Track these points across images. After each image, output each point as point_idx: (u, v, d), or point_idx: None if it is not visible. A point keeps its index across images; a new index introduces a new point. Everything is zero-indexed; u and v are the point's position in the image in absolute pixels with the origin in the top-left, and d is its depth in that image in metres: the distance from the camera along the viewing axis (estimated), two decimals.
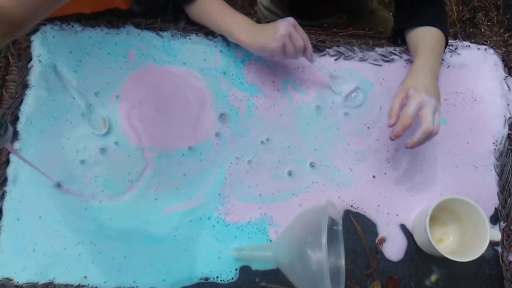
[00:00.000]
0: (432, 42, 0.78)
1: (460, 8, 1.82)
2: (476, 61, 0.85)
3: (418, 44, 0.79)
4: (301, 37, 0.72)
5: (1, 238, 0.71)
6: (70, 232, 0.72)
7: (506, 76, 0.85)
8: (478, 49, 0.86)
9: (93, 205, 0.73)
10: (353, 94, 0.81)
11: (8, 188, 0.72)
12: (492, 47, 0.88)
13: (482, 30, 1.80)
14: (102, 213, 0.73)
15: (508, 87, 0.84)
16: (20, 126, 0.75)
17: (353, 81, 0.81)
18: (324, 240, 0.56)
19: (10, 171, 0.73)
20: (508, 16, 1.83)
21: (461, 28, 1.77)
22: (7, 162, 0.73)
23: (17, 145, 0.74)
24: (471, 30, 1.79)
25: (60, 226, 0.72)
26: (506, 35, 1.80)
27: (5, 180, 0.73)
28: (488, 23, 1.81)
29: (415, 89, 0.70)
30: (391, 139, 0.69)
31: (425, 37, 0.79)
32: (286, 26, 0.71)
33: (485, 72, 0.84)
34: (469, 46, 0.86)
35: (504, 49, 1.77)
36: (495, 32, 1.80)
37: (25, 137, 0.75)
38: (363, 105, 0.81)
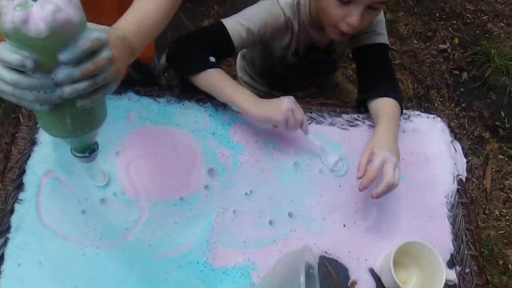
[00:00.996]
0: (390, 109, 0.94)
1: (415, 85, 2.07)
2: (427, 127, 1.01)
3: (379, 111, 0.94)
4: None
5: (1, 283, 0.74)
6: (68, 277, 0.76)
7: (452, 140, 1.00)
8: (428, 117, 1.02)
9: (91, 251, 0.79)
10: (338, 164, 0.93)
11: (11, 235, 0.78)
12: (440, 117, 1.05)
13: (436, 105, 2.03)
14: (99, 259, 0.78)
15: (455, 149, 0.99)
16: (26, 179, 0.83)
17: (337, 153, 0.93)
18: (302, 279, 0.65)
19: (14, 219, 0.79)
20: (458, 93, 2.09)
21: (417, 103, 2.00)
22: (12, 211, 0.80)
23: (22, 195, 0.81)
24: (426, 104, 2.02)
25: (59, 271, 0.76)
26: (457, 109, 2.04)
27: (8, 228, 0.78)
28: (441, 99, 2.05)
29: (379, 148, 0.83)
30: (360, 189, 0.81)
31: (384, 105, 0.95)
32: (290, 102, 0.85)
33: (434, 136, 1.00)
34: (419, 114, 1.02)
35: (456, 121, 1.99)
36: (447, 106, 2.03)
37: (30, 188, 0.82)
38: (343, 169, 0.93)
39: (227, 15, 0.95)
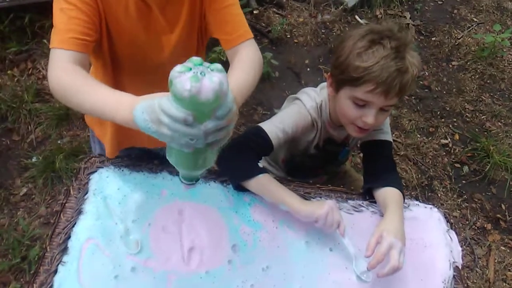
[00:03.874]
0: (396, 198, 1.07)
1: (419, 176, 2.20)
2: (424, 216, 1.12)
3: (386, 199, 1.06)
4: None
5: None
6: None
7: (448, 229, 1.11)
8: (425, 207, 1.14)
9: None
10: (366, 273, 0.98)
11: None
12: (437, 207, 1.16)
13: (439, 195, 2.14)
14: None
15: (450, 237, 1.09)
16: (70, 244, 0.95)
17: (367, 260, 0.95)
18: None
19: (57, 279, 0.90)
20: (459, 185, 2.21)
21: (420, 193, 2.12)
22: (56, 271, 0.91)
23: (65, 258, 0.93)
24: (429, 194, 2.14)
25: None
26: (459, 200, 2.14)
27: (51, 286, 0.89)
28: (443, 189, 2.17)
29: (387, 233, 0.95)
30: (367, 269, 0.93)
31: (391, 194, 1.08)
32: (331, 202, 1.00)
33: (431, 225, 1.11)
34: (418, 204, 1.14)
35: (458, 211, 2.09)
36: (449, 197, 2.14)
37: (73, 252, 0.94)
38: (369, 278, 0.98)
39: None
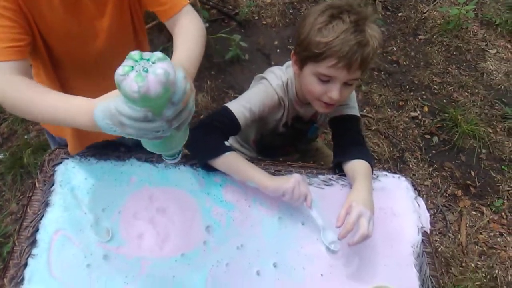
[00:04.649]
0: (364, 170, 1.09)
1: (391, 149, 2.24)
2: (393, 186, 1.15)
3: (355, 171, 1.08)
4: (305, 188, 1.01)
5: None
6: None
7: (416, 197, 1.14)
8: (393, 177, 1.17)
9: None
10: (332, 246, 1.01)
11: (24, 286, 0.87)
12: (405, 177, 1.19)
13: (410, 166, 2.19)
14: None
15: (418, 204, 1.12)
16: (38, 236, 0.93)
17: (335, 231, 1.00)
18: None
19: (27, 272, 0.89)
20: (430, 155, 2.26)
21: (393, 165, 2.16)
22: (26, 265, 0.89)
23: (35, 251, 0.91)
24: (401, 166, 2.18)
25: None
26: (430, 169, 2.20)
27: (22, 280, 0.88)
28: (415, 160, 2.22)
29: (356, 203, 0.97)
30: (338, 239, 0.95)
31: (359, 166, 1.10)
32: (297, 176, 1.01)
33: (399, 194, 1.13)
34: (386, 175, 1.17)
35: (429, 180, 2.14)
36: (420, 167, 2.20)
37: (42, 244, 0.93)
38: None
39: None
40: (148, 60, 0.59)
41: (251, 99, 1.11)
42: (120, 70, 0.58)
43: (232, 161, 1.04)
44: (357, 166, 1.10)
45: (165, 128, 0.64)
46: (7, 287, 0.87)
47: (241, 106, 1.09)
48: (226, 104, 1.10)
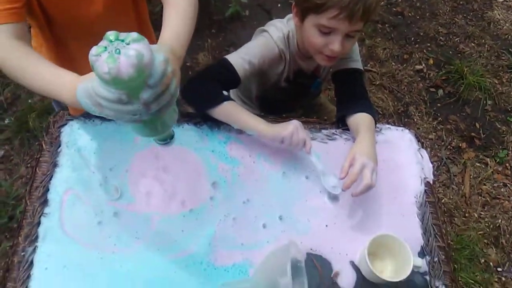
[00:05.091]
0: (367, 122, 1.09)
1: (395, 103, 2.23)
2: (396, 138, 1.15)
3: (358, 124, 1.09)
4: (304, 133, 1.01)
5: (31, 285, 0.86)
6: (88, 278, 0.88)
7: (419, 148, 1.14)
8: (397, 130, 1.17)
9: (107, 256, 0.91)
10: (335, 187, 1.04)
11: (38, 244, 0.90)
12: (408, 129, 1.19)
13: (415, 119, 2.18)
14: (115, 262, 0.91)
15: (421, 156, 1.13)
16: (49, 196, 0.96)
17: (335, 175, 1.03)
18: (288, 268, 0.76)
19: (41, 230, 0.92)
20: (434, 108, 2.25)
21: (397, 119, 2.16)
22: (39, 223, 0.92)
23: (47, 210, 0.94)
24: (406, 120, 2.18)
25: (81, 274, 0.88)
26: (434, 123, 2.19)
27: (36, 238, 0.91)
28: (419, 114, 2.21)
29: (359, 154, 0.98)
30: (342, 190, 0.96)
31: (362, 119, 1.10)
32: (296, 122, 1.01)
33: (403, 146, 1.14)
34: (390, 128, 1.17)
35: (434, 133, 2.14)
36: (425, 121, 2.19)
37: (53, 204, 0.95)
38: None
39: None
40: (122, 41, 0.57)
41: (251, 51, 1.10)
42: (93, 51, 0.57)
43: (230, 110, 1.03)
44: (360, 119, 1.10)
45: (143, 111, 0.62)
46: (22, 244, 0.90)
47: (240, 58, 1.07)
48: (226, 56, 1.08)
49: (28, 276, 0.87)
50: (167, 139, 0.80)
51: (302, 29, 1.07)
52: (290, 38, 1.14)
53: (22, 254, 0.89)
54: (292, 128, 0.99)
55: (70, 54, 1.10)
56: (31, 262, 0.89)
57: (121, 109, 0.61)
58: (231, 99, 1.05)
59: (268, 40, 1.12)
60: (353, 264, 0.97)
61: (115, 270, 0.90)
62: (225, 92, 1.05)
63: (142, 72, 0.58)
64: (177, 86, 0.66)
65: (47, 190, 0.96)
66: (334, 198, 1.04)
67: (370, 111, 1.12)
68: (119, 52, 0.56)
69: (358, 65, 1.21)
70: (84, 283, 0.88)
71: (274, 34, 1.12)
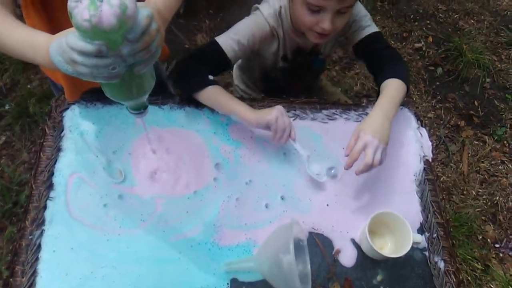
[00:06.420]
0: (390, 92, 1.03)
1: None
2: (395, 117, 1.16)
3: (381, 94, 1.04)
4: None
5: (40, 267, 0.89)
6: (95, 259, 0.90)
7: (418, 127, 1.15)
8: None
9: (113, 237, 0.93)
10: (332, 171, 1.06)
11: (46, 227, 0.92)
12: (408, 107, 1.20)
13: (414, 98, 2.19)
14: (121, 243, 0.93)
15: (420, 134, 1.14)
16: (54, 180, 0.97)
17: (323, 161, 1.05)
18: (291, 246, 0.78)
19: (47, 214, 0.93)
20: (434, 87, 2.25)
21: None
22: (45, 207, 0.94)
23: (52, 194, 0.96)
24: (405, 99, 2.17)
25: (88, 255, 0.91)
26: (433, 101, 2.20)
27: (43, 221, 0.93)
28: (418, 93, 2.21)
29: (364, 132, 0.96)
30: (345, 168, 0.96)
31: (387, 88, 1.04)
32: (279, 107, 0.99)
33: (402, 124, 1.15)
34: None
35: (433, 112, 2.15)
36: (424, 99, 2.19)
37: (59, 188, 0.97)
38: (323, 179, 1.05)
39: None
40: None
41: (240, 31, 1.08)
42: None
43: (215, 94, 1.03)
44: (384, 88, 1.05)
45: (120, 64, 0.61)
46: (29, 228, 0.92)
47: (229, 39, 1.07)
48: (215, 38, 1.08)
49: (37, 259, 0.89)
50: (141, 109, 0.79)
51: (292, 8, 1.06)
52: (282, 14, 1.11)
53: (30, 237, 0.91)
54: (276, 112, 0.98)
55: (61, 25, 1.07)
56: (39, 245, 0.90)
57: (97, 63, 0.59)
58: (216, 83, 1.04)
59: (258, 17, 1.10)
60: (353, 241, 0.99)
61: (121, 251, 0.92)
62: (210, 77, 1.04)
63: (124, 24, 0.55)
64: (159, 45, 0.64)
65: (52, 174, 0.98)
66: (333, 176, 1.05)
67: (400, 75, 1.06)
68: (102, 0, 0.53)
69: (373, 29, 1.16)
70: (92, 264, 0.90)
71: (265, 11, 1.10)
